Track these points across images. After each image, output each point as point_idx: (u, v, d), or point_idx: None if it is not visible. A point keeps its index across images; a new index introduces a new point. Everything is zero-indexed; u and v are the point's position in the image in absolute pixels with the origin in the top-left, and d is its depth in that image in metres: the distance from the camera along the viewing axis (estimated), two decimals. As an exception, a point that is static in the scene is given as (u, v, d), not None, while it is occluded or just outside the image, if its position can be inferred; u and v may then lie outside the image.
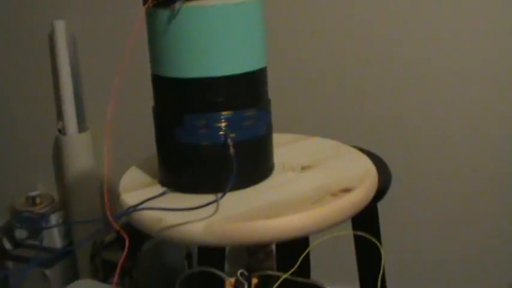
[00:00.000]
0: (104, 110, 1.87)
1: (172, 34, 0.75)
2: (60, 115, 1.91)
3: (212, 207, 0.74)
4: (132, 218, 0.77)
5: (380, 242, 0.98)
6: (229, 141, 0.76)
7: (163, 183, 0.84)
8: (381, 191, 0.98)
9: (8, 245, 2.08)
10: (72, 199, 1.92)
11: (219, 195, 0.74)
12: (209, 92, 0.76)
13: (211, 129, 0.77)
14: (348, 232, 0.73)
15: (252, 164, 0.81)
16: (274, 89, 1.56)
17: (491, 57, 1.34)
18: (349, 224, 1.02)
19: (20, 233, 1.99)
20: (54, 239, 2.00)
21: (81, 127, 1.89)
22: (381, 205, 1.03)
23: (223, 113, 0.77)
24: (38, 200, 2.00)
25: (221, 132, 0.77)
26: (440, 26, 1.37)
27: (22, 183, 2.08)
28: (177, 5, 0.72)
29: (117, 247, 1.73)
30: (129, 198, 0.81)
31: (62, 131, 1.88)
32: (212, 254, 1.03)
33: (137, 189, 0.84)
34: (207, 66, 0.75)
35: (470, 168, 1.42)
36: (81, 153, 1.89)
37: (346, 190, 0.78)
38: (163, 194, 0.79)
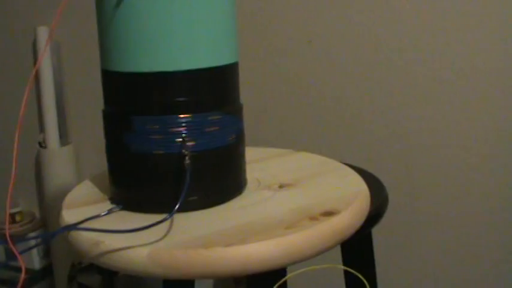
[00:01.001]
0: (89, 122, 1.75)
1: (120, 19, 0.62)
2: (42, 127, 1.79)
3: (162, 230, 0.60)
4: (68, 240, 0.64)
5: (374, 275, 0.84)
6: (185, 151, 0.62)
7: (112, 199, 0.70)
8: (375, 215, 0.84)
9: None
10: (52, 216, 1.80)
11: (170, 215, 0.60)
12: (164, 91, 0.63)
13: (166, 135, 0.64)
14: (327, 265, 0.59)
15: (216, 179, 0.67)
16: (262, 100, 1.46)
17: (497, 72, 1.21)
18: (339, 254, 0.88)
19: (-1, 253, 1.88)
20: (33, 259, 1.88)
21: (63, 141, 1.77)
22: (376, 232, 0.89)
23: (181, 116, 0.64)
24: (18, 217, 1.88)
25: (178, 140, 0.64)
26: (443, 38, 1.25)
27: (2, 199, 1.96)
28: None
29: (95, 270, 1.61)
30: (70, 216, 0.68)
31: (42, 145, 1.76)
32: (181, 282, 0.89)
33: (83, 206, 0.71)
34: (161, 58, 0.62)
35: (480, 191, 1.29)
36: (62, 169, 1.76)
37: (328, 213, 0.65)
38: (108, 212, 0.66)
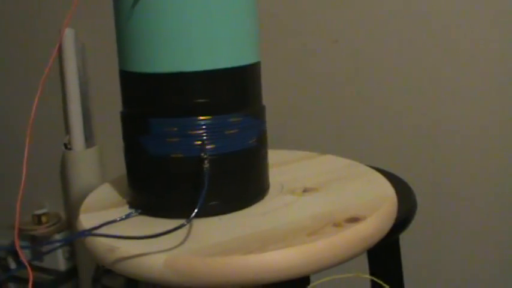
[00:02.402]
0: (114, 124, 1.74)
1: (136, 19, 0.60)
2: (67, 129, 1.79)
3: (179, 236, 0.58)
4: (85, 245, 0.62)
5: (401, 284, 0.81)
6: (204, 154, 0.60)
7: (131, 204, 0.69)
8: (403, 221, 0.81)
9: (13, 265, 1.99)
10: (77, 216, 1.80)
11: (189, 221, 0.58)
12: (182, 92, 0.61)
13: (185, 138, 0.61)
14: (352, 275, 0.56)
15: (236, 184, 0.65)
16: (287, 101, 1.43)
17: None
18: (365, 261, 0.85)
19: (25, 253, 1.88)
20: (58, 261, 1.88)
21: (89, 142, 1.76)
22: (403, 238, 0.86)
23: (200, 118, 0.62)
24: (44, 219, 1.88)
25: (197, 142, 0.62)
26: (471, 36, 1.21)
27: (29, 201, 1.97)
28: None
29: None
30: (87, 220, 0.66)
31: (68, 146, 1.76)
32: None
33: (101, 210, 0.69)
34: (179, 58, 0.60)
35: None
36: (87, 170, 1.76)
37: (354, 220, 0.62)
38: (125, 217, 0.64)
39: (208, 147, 0.61)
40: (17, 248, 0.52)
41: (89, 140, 1.77)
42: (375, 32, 1.31)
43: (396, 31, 1.29)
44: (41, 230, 1.85)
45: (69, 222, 1.90)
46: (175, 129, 0.61)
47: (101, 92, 1.75)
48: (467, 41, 1.22)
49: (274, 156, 0.88)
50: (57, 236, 1.85)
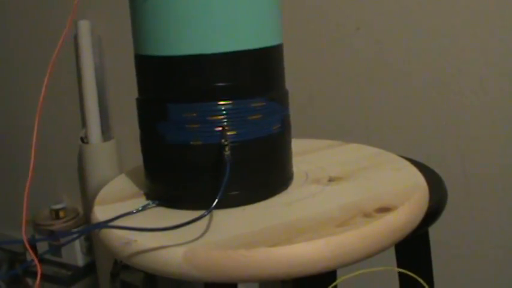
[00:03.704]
0: (131, 117, 1.72)
1: (152, -3, 0.57)
2: (84, 122, 1.76)
3: (199, 228, 0.55)
4: (100, 238, 0.59)
5: (431, 278, 0.77)
6: (224, 141, 0.56)
7: (147, 195, 0.65)
8: (433, 212, 0.77)
9: (30, 256, 1.97)
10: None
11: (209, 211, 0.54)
12: (201, 75, 0.57)
13: (204, 124, 0.58)
14: (383, 268, 0.53)
15: (259, 172, 0.61)
16: (309, 88, 1.40)
17: None
18: (391, 255, 0.81)
19: (42, 248, 1.87)
20: (76, 256, 1.86)
21: (106, 136, 1.74)
22: (432, 231, 0.82)
23: (221, 102, 0.58)
24: (61, 214, 1.86)
25: (217, 129, 0.58)
26: (502, 27, 1.16)
27: (47, 196, 1.95)
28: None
29: (138, 268, 1.57)
30: (102, 212, 0.63)
31: (84, 140, 1.74)
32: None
33: (116, 201, 0.66)
34: (198, 39, 0.56)
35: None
36: (105, 164, 1.73)
37: (384, 210, 0.58)
38: (142, 209, 0.61)
39: (229, 133, 0.58)
40: (25, 242, 0.49)
41: (106, 133, 1.75)
42: (397, 19, 1.26)
43: (419, 18, 1.24)
44: (58, 225, 1.83)
45: (87, 216, 1.88)
46: (194, 114, 0.58)
47: (118, 85, 1.72)
48: (496, 29, 1.18)
49: (296, 144, 0.84)
50: (75, 231, 1.83)
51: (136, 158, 1.72)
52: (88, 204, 1.83)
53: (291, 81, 1.31)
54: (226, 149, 0.56)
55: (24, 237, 0.51)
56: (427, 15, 1.23)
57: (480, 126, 1.23)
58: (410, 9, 1.24)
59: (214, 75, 0.58)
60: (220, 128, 0.58)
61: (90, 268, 1.85)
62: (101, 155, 1.73)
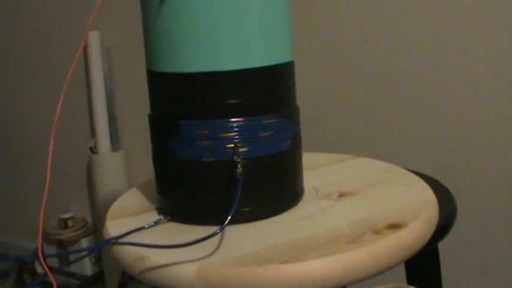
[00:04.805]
0: (140, 127, 1.73)
1: (165, 15, 0.57)
2: (93, 132, 1.77)
3: (211, 244, 0.55)
4: (112, 253, 0.60)
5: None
6: (237, 158, 0.57)
7: (159, 210, 0.66)
8: (443, 228, 0.77)
9: (40, 269, 1.98)
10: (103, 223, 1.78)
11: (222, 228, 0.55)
12: (213, 92, 0.58)
13: (216, 140, 0.58)
14: (393, 285, 0.53)
15: (270, 189, 0.62)
16: (318, 103, 1.40)
17: None
18: (401, 271, 0.81)
19: (51, 259, 1.88)
20: (85, 265, 1.87)
21: (115, 146, 1.75)
22: (442, 246, 0.82)
23: (233, 119, 0.59)
24: (70, 223, 1.87)
25: (229, 145, 0.59)
26: (500, 39, 1.16)
27: (55, 205, 1.96)
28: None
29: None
30: (114, 227, 0.63)
31: (93, 150, 1.75)
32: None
33: (128, 216, 0.67)
34: (210, 57, 0.57)
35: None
36: (114, 174, 1.74)
37: (395, 226, 0.59)
38: (154, 224, 0.61)
39: (241, 150, 0.58)
40: (40, 258, 0.49)
41: (115, 143, 1.76)
42: (406, 32, 1.27)
43: (428, 30, 1.24)
44: (67, 234, 1.84)
45: (96, 226, 1.89)
46: (206, 131, 0.58)
47: (127, 95, 1.73)
48: (505, 44, 1.18)
49: (307, 158, 0.85)
50: (84, 240, 1.83)
51: (145, 168, 1.73)
52: (97, 213, 1.84)
53: (301, 94, 1.31)
54: (239, 166, 0.57)
55: (41, 256, 0.52)
56: (436, 27, 1.24)
57: (489, 140, 1.23)
58: (419, 22, 1.25)
59: (226, 92, 0.58)
60: (232, 145, 0.58)
61: (98, 278, 1.86)
62: (110, 165, 1.74)
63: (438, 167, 1.27)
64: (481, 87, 1.21)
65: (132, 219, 0.65)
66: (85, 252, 1.16)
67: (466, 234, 1.27)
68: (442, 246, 0.84)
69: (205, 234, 0.53)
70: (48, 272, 0.49)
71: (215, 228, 0.54)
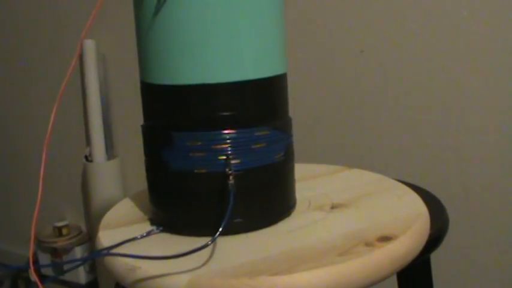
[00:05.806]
0: (135, 136, 1.73)
1: (158, 28, 0.58)
2: (88, 141, 1.78)
3: (203, 255, 0.56)
4: (105, 264, 0.60)
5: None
6: (228, 170, 0.57)
7: (152, 220, 0.66)
8: (434, 240, 0.78)
9: (33, 278, 1.97)
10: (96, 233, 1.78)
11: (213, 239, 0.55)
12: (206, 104, 0.58)
13: (209, 152, 0.59)
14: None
15: (262, 200, 0.62)
16: (312, 113, 1.40)
17: None
18: (393, 282, 0.82)
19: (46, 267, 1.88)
20: (79, 274, 1.86)
21: (110, 154, 1.75)
22: (433, 257, 0.83)
23: (225, 131, 0.59)
24: (64, 231, 1.87)
25: (221, 157, 0.59)
26: (497, 48, 1.17)
27: (50, 213, 1.96)
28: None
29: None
30: (107, 237, 0.64)
31: (88, 158, 1.75)
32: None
33: (121, 226, 0.67)
34: (203, 69, 0.58)
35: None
36: (108, 182, 1.74)
37: (386, 239, 0.59)
38: (146, 235, 0.61)
39: (233, 162, 0.59)
40: (32, 271, 0.50)
41: (110, 151, 1.76)
42: (401, 42, 1.27)
43: (424, 40, 1.25)
44: (61, 242, 1.84)
45: (90, 234, 1.89)
46: (199, 143, 0.59)
47: (122, 103, 1.74)
48: (499, 54, 1.19)
49: (299, 169, 0.86)
50: (78, 248, 1.83)
51: (140, 176, 1.73)
52: (91, 221, 1.84)
53: (294, 105, 1.32)
54: (231, 177, 0.57)
55: (32, 268, 0.52)
56: (431, 38, 1.24)
57: (482, 150, 1.24)
58: (414, 32, 1.25)
59: (218, 104, 0.59)
60: (224, 157, 0.59)
61: (92, 286, 1.86)
62: (105, 173, 1.74)
63: (432, 176, 1.27)
64: (475, 97, 1.22)
65: (125, 229, 0.66)
66: (78, 262, 1.16)
67: (459, 244, 1.27)
68: (434, 255, 0.85)
69: (198, 246, 0.54)
70: (40, 284, 0.49)
71: (207, 240, 0.54)
